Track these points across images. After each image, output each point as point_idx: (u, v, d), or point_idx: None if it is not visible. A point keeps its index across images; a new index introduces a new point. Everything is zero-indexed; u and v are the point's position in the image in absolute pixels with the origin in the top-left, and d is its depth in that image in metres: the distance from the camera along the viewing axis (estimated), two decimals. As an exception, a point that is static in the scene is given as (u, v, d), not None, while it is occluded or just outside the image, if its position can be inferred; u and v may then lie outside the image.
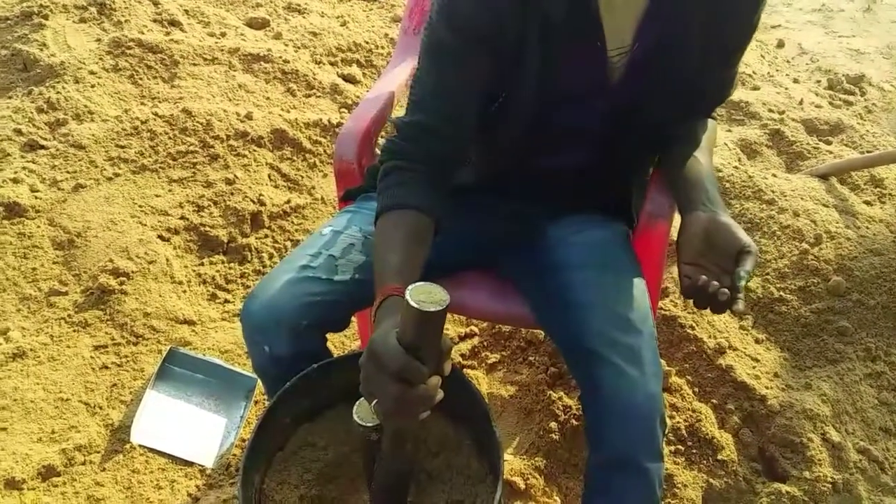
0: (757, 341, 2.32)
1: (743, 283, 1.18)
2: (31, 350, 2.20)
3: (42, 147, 2.75)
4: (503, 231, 1.59)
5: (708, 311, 1.21)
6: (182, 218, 2.59)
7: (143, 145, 2.78)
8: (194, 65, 3.16)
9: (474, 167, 1.49)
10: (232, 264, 2.53)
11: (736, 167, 2.84)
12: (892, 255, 2.46)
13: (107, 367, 2.20)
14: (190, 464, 2.01)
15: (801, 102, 3.37)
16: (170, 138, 2.81)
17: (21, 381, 2.13)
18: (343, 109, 3.13)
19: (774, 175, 2.85)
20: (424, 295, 0.92)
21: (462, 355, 2.31)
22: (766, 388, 2.16)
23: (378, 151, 1.73)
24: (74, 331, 2.27)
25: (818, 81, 3.72)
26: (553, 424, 2.07)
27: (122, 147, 2.77)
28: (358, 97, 3.20)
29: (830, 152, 3.02)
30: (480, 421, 1.22)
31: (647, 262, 1.53)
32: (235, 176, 2.71)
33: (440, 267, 1.34)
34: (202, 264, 2.52)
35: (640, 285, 1.43)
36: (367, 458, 1.18)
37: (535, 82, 1.32)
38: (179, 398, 2.14)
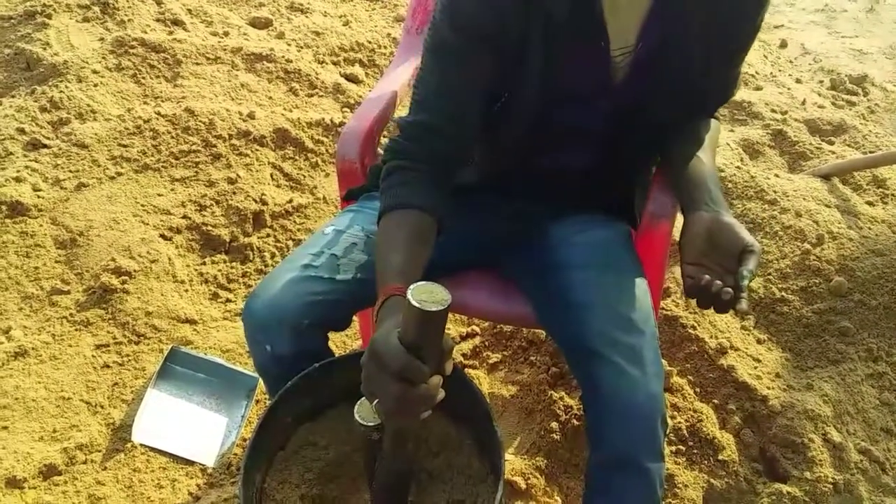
0: (758, 342, 2.32)
1: (746, 282, 1.18)
2: (32, 349, 2.20)
3: (45, 146, 2.75)
4: (506, 231, 1.59)
5: (711, 310, 1.22)
6: (184, 217, 2.59)
7: (146, 144, 2.78)
8: (197, 64, 3.17)
9: (477, 166, 1.49)
10: (234, 263, 2.53)
11: (738, 167, 2.84)
12: (894, 256, 2.46)
13: (108, 366, 2.20)
14: (191, 463, 2.01)
15: (803, 102, 3.37)
16: (172, 137, 2.81)
17: (23, 379, 2.13)
18: (345, 109, 3.13)
19: (777, 175, 2.85)
20: (426, 294, 0.92)
21: (463, 355, 2.31)
22: (768, 388, 2.16)
23: (380, 151, 1.74)
24: (76, 330, 2.27)
25: (821, 81, 3.72)
26: (554, 424, 2.07)
27: (125, 146, 2.77)
28: (360, 97, 3.20)
29: (833, 153, 3.02)
30: (482, 420, 1.22)
31: (649, 262, 1.53)
32: (238, 175, 2.71)
33: (442, 266, 1.34)
34: (204, 263, 2.52)
35: (641, 285, 1.43)
36: (369, 457, 1.19)
37: (538, 82, 1.32)
38: (181, 397, 2.14)
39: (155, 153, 2.77)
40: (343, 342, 2.32)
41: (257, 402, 2.15)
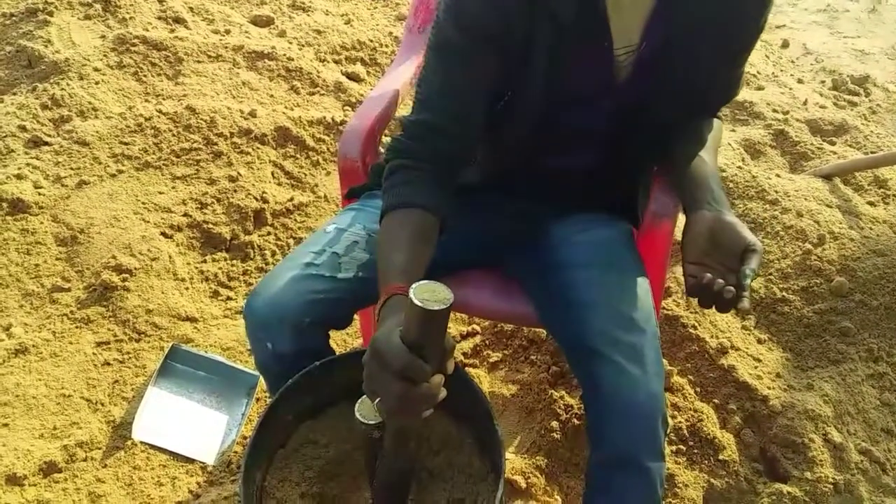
0: (759, 341, 2.32)
1: (748, 281, 1.18)
2: (33, 346, 2.20)
3: (46, 143, 2.75)
4: (508, 230, 1.59)
5: (712, 310, 1.21)
6: (185, 215, 2.59)
7: (147, 142, 2.78)
8: (198, 62, 3.17)
9: (479, 166, 1.49)
10: (234, 261, 2.53)
11: (740, 167, 2.84)
12: (895, 256, 2.46)
13: (109, 364, 2.20)
14: (191, 461, 2.01)
15: (805, 103, 3.37)
16: (173, 135, 2.81)
17: (23, 377, 2.13)
18: (347, 107, 3.13)
19: (778, 175, 2.85)
20: (428, 293, 0.92)
21: (464, 354, 2.31)
22: (768, 388, 2.16)
23: (382, 150, 1.74)
24: (77, 327, 2.27)
25: (822, 82, 3.72)
26: (554, 423, 2.07)
27: (126, 144, 2.77)
28: (362, 95, 3.20)
29: (834, 153, 3.02)
30: (482, 419, 1.22)
31: (650, 261, 1.53)
32: (239, 173, 2.71)
33: (445, 266, 1.34)
34: (205, 261, 2.52)
35: (643, 284, 1.42)
36: (369, 455, 1.18)
37: (542, 82, 1.32)
38: (181, 395, 2.14)
39: (156, 151, 2.77)
40: (344, 340, 2.32)
41: (258, 400, 2.15)
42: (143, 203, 2.62)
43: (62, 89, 2.91)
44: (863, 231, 2.57)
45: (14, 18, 3.26)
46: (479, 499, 1.25)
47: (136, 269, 2.39)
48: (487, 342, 2.36)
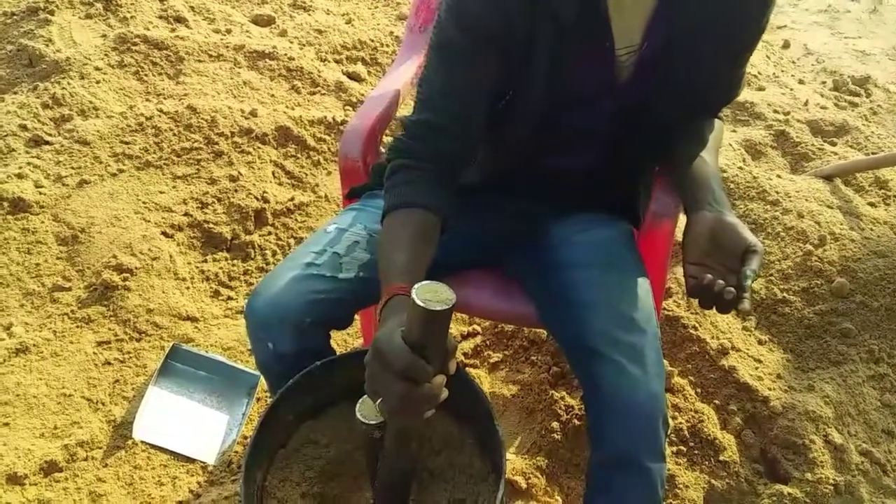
0: (760, 342, 2.32)
1: (749, 282, 1.17)
2: (33, 345, 2.20)
3: (47, 143, 2.75)
4: (508, 230, 1.59)
5: (712, 310, 1.21)
6: (186, 214, 2.59)
7: (148, 142, 2.78)
8: (199, 61, 3.17)
9: (480, 166, 1.49)
10: (235, 261, 2.53)
11: (740, 168, 2.84)
12: (897, 258, 2.46)
13: (109, 363, 2.20)
14: (192, 460, 2.01)
15: (806, 103, 3.37)
16: (174, 135, 2.81)
17: (24, 376, 2.13)
18: (348, 107, 3.13)
19: (779, 176, 2.85)
20: (431, 294, 0.92)
21: (465, 354, 2.31)
22: (769, 389, 2.16)
23: (383, 150, 1.74)
24: (77, 326, 2.27)
25: (823, 82, 3.72)
26: (555, 424, 2.07)
27: (127, 143, 2.77)
28: (363, 95, 3.20)
29: (835, 153, 3.02)
30: (483, 420, 1.22)
31: (651, 261, 1.53)
32: (239, 173, 2.71)
33: (445, 266, 1.34)
34: (205, 261, 2.52)
35: (643, 285, 1.42)
36: (370, 455, 1.18)
37: (544, 82, 1.32)
38: (182, 395, 2.14)
39: (157, 150, 2.77)
40: (344, 340, 2.32)
41: (258, 399, 2.15)
42: (144, 202, 2.62)
43: (63, 88, 2.91)
44: (864, 232, 2.57)
45: (15, 17, 3.26)
46: (479, 499, 1.25)
47: (136, 268, 2.39)
48: (488, 342, 2.36)
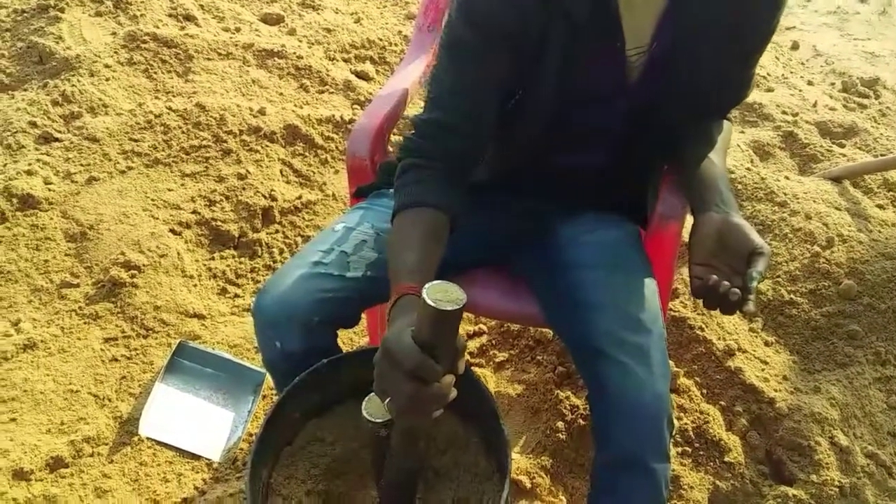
0: (766, 344, 2.32)
1: (755, 283, 1.17)
2: (41, 341, 2.21)
3: (56, 140, 2.76)
4: (516, 228, 1.59)
5: (718, 312, 1.21)
6: (194, 212, 2.60)
7: (157, 139, 2.79)
8: (208, 59, 3.17)
9: (488, 164, 1.48)
10: (242, 259, 2.54)
11: (748, 169, 2.84)
12: (904, 260, 2.46)
13: (116, 360, 2.21)
14: (197, 457, 2.01)
15: (814, 105, 3.36)
16: (183, 132, 2.82)
17: (31, 372, 2.14)
18: (356, 106, 3.13)
19: (787, 177, 2.84)
20: (441, 294, 0.92)
21: (470, 353, 2.31)
22: (775, 390, 2.16)
23: (390, 149, 1.74)
24: (85, 323, 2.28)
25: (832, 84, 3.71)
26: (560, 424, 2.07)
27: (136, 141, 2.78)
28: (371, 94, 3.20)
29: (844, 155, 3.01)
30: (489, 419, 1.22)
31: (658, 262, 1.53)
32: (247, 171, 2.72)
33: (453, 265, 1.34)
34: (213, 258, 2.52)
35: (650, 286, 1.42)
36: (376, 454, 1.19)
37: (555, 80, 1.32)
38: (188, 392, 2.15)
39: (165, 148, 2.78)
40: (350, 339, 2.32)
41: (264, 397, 2.15)
42: (153, 200, 2.62)
43: (73, 86, 2.92)
44: (871, 234, 2.56)
45: (25, 15, 3.28)
46: (484, 498, 1.25)
47: (144, 265, 2.39)
48: (494, 342, 2.36)
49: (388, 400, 1.01)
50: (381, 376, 1.02)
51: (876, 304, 2.36)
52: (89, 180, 2.65)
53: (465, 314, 2.34)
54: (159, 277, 2.39)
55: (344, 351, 1.38)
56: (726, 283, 1.18)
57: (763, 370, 2.22)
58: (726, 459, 2.02)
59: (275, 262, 2.54)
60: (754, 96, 3.34)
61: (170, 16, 3.38)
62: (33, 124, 2.78)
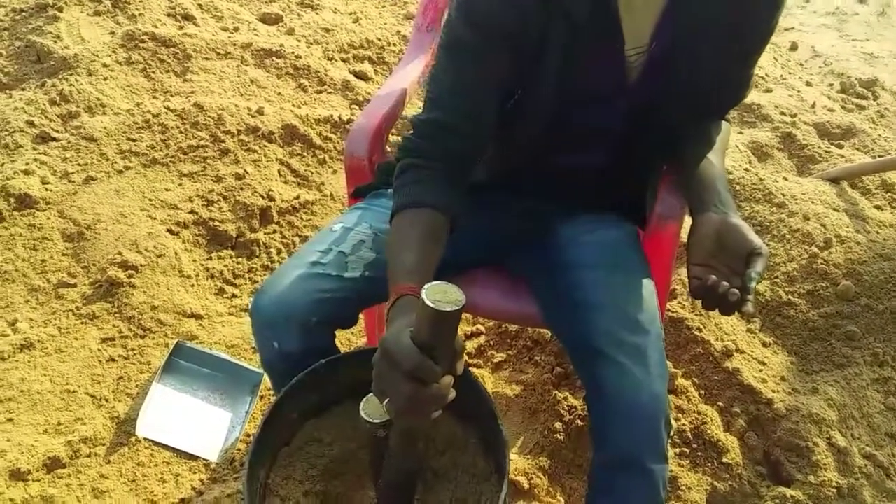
0: (764, 345, 2.32)
1: (753, 284, 1.17)
2: (38, 341, 2.21)
3: (54, 139, 2.76)
4: (515, 228, 1.59)
5: (716, 312, 1.21)
6: (191, 212, 2.60)
7: (155, 139, 2.79)
8: (207, 59, 3.17)
9: (487, 164, 1.48)
10: (240, 259, 2.54)
11: (747, 169, 2.84)
12: (902, 261, 2.46)
13: (114, 360, 2.20)
14: (194, 458, 2.01)
15: (813, 105, 3.36)
16: (181, 132, 2.81)
17: (28, 372, 2.14)
18: (354, 106, 3.13)
19: (785, 178, 2.84)
20: (440, 294, 0.92)
21: (468, 354, 2.31)
22: (773, 391, 2.16)
23: (389, 149, 1.73)
24: (82, 323, 2.28)
25: (831, 85, 3.71)
26: (558, 424, 2.07)
27: (134, 140, 2.78)
28: (369, 94, 3.20)
29: (842, 156, 3.01)
30: (487, 419, 1.21)
31: (656, 263, 1.53)
32: (245, 171, 2.72)
33: (453, 265, 1.34)
34: (210, 258, 2.52)
35: (648, 286, 1.42)
36: (374, 454, 1.18)
37: (555, 80, 1.32)
38: (185, 392, 2.14)
39: (163, 148, 2.77)
40: (348, 339, 2.32)
41: (261, 397, 2.15)
42: (150, 200, 2.62)
43: (71, 85, 2.92)
44: (869, 235, 2.56)
45: (24, 14, 3.27)
46: (482, 499, 1.25)
47: (141, 265, 2.39)
48: (492, 342, 2.36)
49: (386, 401, 1.01)
50: (380, 377, 1.01)
51: (874, 304, 2.36)
52: (87, 180, 2.64)
53: (464, 315, 2.35)
54: (157, 277, 2.39)
55: (342, 351, 1.38)
56: (725, 283, 1.18)
57: (761, 371, 2.22)
58: (724, 460, 2.02)
59: (272, 262, 2.54)
60: (753, 97, 3.34)
61: (168, 15, 3.38)
62: (31, 123, 2.78)
